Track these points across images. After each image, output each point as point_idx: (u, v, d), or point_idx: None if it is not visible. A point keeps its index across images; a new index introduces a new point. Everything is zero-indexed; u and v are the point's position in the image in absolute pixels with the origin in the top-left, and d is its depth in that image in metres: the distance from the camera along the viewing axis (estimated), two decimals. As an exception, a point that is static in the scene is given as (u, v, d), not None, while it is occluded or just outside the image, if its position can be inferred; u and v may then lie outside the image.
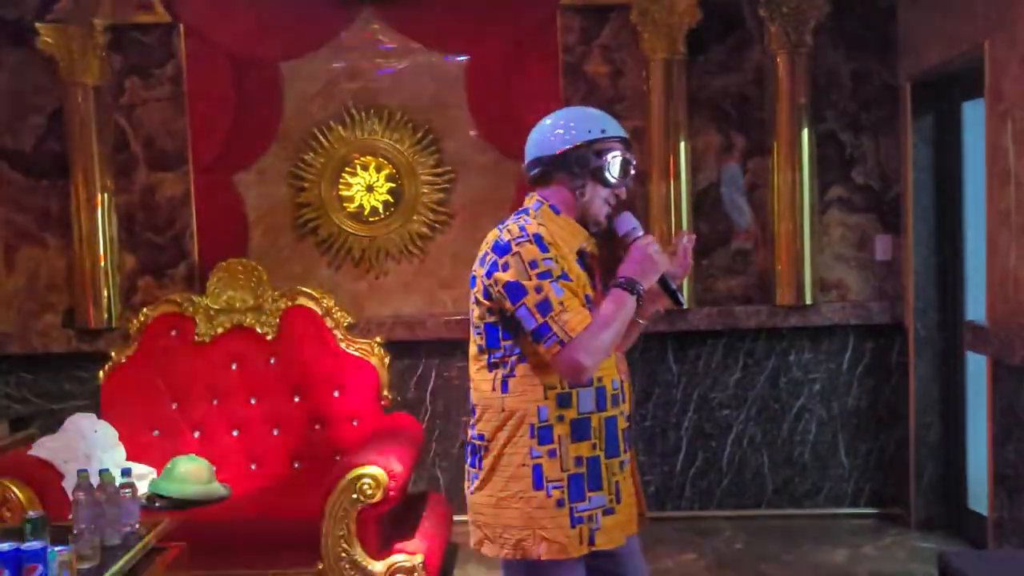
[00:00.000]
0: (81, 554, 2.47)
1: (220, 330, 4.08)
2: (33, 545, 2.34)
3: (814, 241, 4.36)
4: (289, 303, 4.10)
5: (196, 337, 4.07)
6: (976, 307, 3.94)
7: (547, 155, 2.13)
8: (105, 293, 4.46)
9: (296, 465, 3.99)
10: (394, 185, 4.54)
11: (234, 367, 4.06)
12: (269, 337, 4.08)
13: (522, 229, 2.05)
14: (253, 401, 4.05)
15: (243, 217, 4.57)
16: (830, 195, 4.45)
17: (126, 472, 2.82)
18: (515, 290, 2.00)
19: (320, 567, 3.35)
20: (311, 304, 4.10)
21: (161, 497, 3.57)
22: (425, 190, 4.53)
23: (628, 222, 2.14)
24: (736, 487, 4.53)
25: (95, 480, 2.66)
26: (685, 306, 2.23)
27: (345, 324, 4.09)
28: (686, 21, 4.27)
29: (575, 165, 2.09)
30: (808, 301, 4.36)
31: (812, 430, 4.50)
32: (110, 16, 4.41)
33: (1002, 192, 3.54)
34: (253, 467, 3.99)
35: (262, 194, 4.57)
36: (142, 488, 3.57)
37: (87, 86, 4.39)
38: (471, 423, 2.17)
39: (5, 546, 2.32)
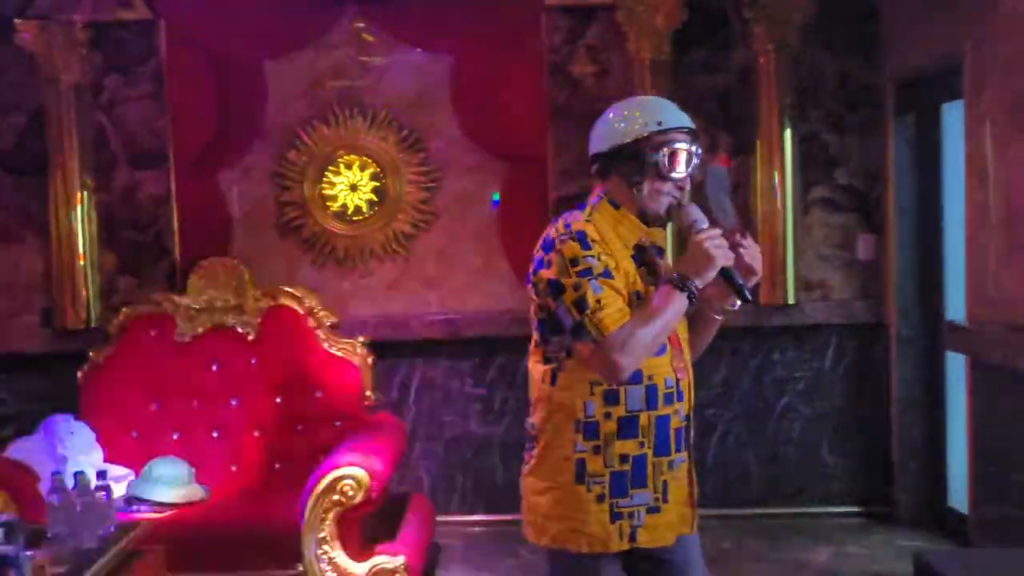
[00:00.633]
0: (56, 558, 2.44)
1: (201, 330, 4.04)
2: (6, 549, 2.30)
3: (797, 241, 4.36)
4: (271, 302, 4.06)
5: (176, 337, 4.03)
6: (956, 307, 3.96)
7: (603, 151, 2.11)
8: (84, 292, 4.41)
9: (277, 466, 3.95)
10: (378, 184, 4.52)
11: (215, 367, 4.02)
12: (251, 337, 4.04)
13: (567, 226, 2.04)
14: (234, 402, 4.01)
15: (226, 216, 4.54)
16: (813, 195, 4.45)
17: (101, 474, 2.78)
18: (555, 287, 2.00)
19: (300, 569, 3.32)
20: (293, 304, 4.06)
21: (139, 500, 3.53)
22: (409, 189, 4.51)
23: (690, 215, 2.08)
24: (721, 486, 4.53)
25: (70, 482, 2.62)
26: (750, 300, 2.11)
27: (328, 324, 4.06)
28: (671, 21, 4.27)
29: (630, 160, 2.06)
30: (791, 301, 4.37)
31: (796, 429, 4.51)
32: (90, 13, 4.37)
33: (981, 193, 3.56)
34: (233, 469, 3.95)
35: (245, 193, 4.54)
36: (120, 490, 3.53)
37: (67, 83, 4.34)
38: (528, 413, 2.18)
39: (-23, 550, 2.29)
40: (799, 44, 4.29)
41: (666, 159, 2.04)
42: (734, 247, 2.07)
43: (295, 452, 3.93)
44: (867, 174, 4.46)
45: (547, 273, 2.02)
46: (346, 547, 3.31)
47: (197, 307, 4.05)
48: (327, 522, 3.28)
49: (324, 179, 4.52)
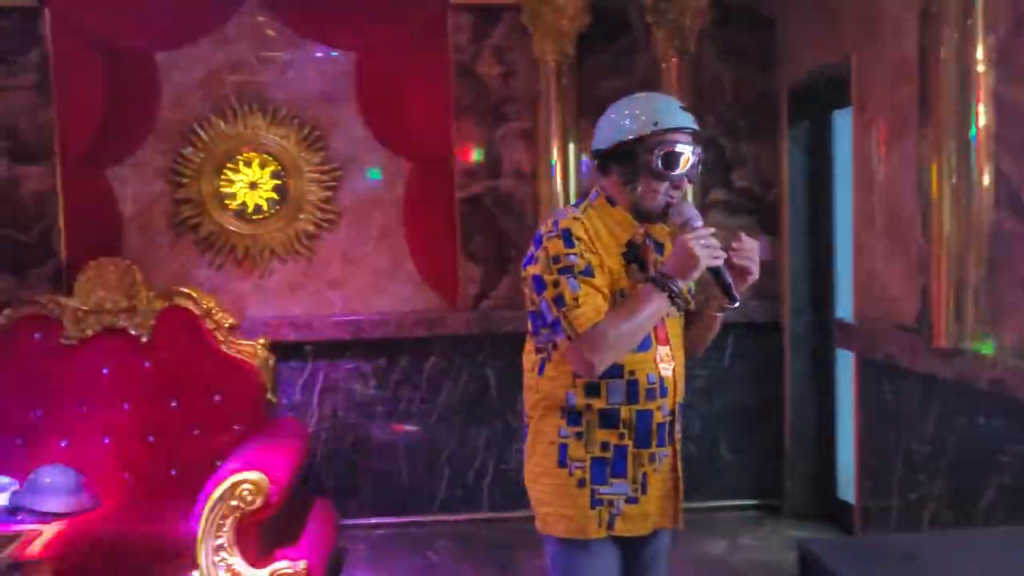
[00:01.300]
0: (-71, 573, 2.30)
1: (90, 332, 3.88)
2: None
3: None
4: (165, 304, 3.94)
5: (63, 340, 3.86)
6: (846, 306, 4.13)
7: (603, 147, 2.12)
8: (-39, 294, 4.17)
9: (173, 473, 3.83)
10: (279, 182, 4.42)
11: (105, 371, 3.87)
12: (144, 339, 3.90)
13: (555, 223, 2.07)
14: (126, 406, 3.87)
15: (117, 214, 4.35)
16: (711, 198, 4.57)
17: (-18, 484, 2.64)
18: (538, 283, 2.04)
19: (197, 577, 3.23)
20: (189, 304, 3.95)
21: (24, 510, 3.38)
22: (312, 188, 4.43)
23: (682, 213, 2.06)
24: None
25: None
26: (738, 302, 2.08)
27: (227, 325, 3.96)
28: (575, 24, 4.31)
29: (626, 159, 2.08)
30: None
31: (696, 426, 4.62)
32: (-33, -2, 4.14)
33: (867, 197, 3.72)
34: (126, 476, 3.81)
35: (138, 190, 4.37)
36: (3, 500, 3.39)
37: (-58, 72, 4.10)
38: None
39: None
40: (699, 51, 4.40)
41: (660, 160, 2.04)
42: (726, 247, 2.04)
43: (192, 457, 3.82)
44: (763, 178, 4.61)
45: (533, 269, 2.06)
46: (245, 554, 3.23)
47: (86, 309, 3.89)
48: (225, 529, 3.19)
49: (222, 177, 4.39)
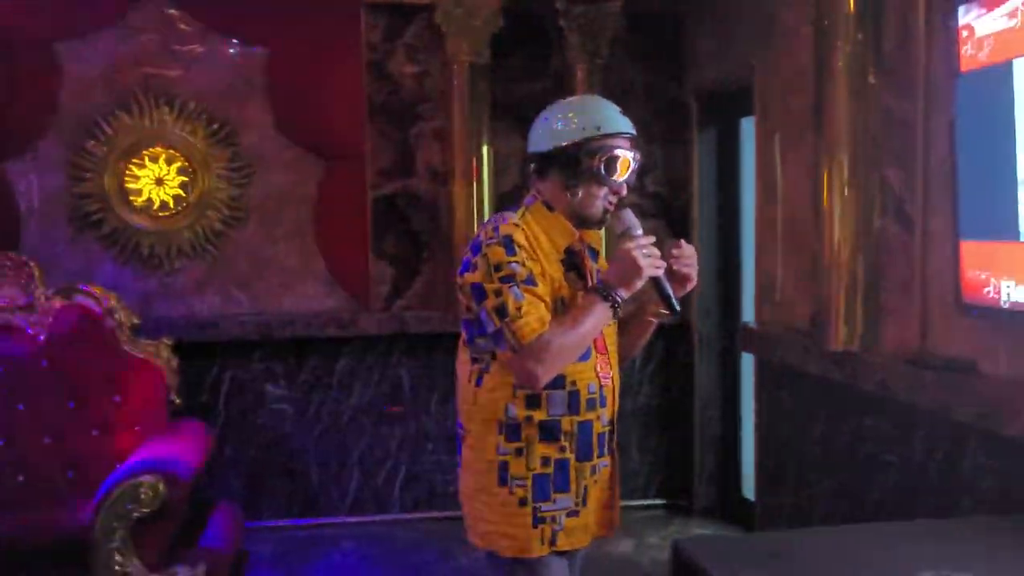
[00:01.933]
0: None
1: (-18, 330, 3.75)
2: None
3: (609, 245, 4.52)
4: (64, 301, 3.83)
5: (-47, 338, 3.72)
6: (751, 309, 4.23)
7: (541, 151, 2.06)
8: None
9: (70, 475, 3.72)
10: (186, 179, 4.34)
11: (0, 370, 3.75)
12: (41, 338, 3.78)
13: (495, 230, 1.99)
14: (21, 407, 3.74)
15: (14, 208, 4.22)
16: (624, 201, 4.62)
17: None
18: (478, 292, 1.97)
19: (92, 583, 3.15)
20: (90, 302, 3.84)
21: (-95, 515, 3.25)
22: (220, 185, 4.36)
23: (623, 222, 2.03)
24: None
25: None
26: (679, 312, 2.06)
27: (129, 324, 3.86)
28: (489, 26, 4.33)
29: (567, 164, 2.02)
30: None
31: (606, 427, 4.68)
32: None
33: (768, 203, 3.82)
34: (20, 478, 3.69)
35: (37, 184, 4.24)
36: None
37: None
38: (457, 413, 2.15)
39: None
40: (610, 55, 4.45)
41: (602, 165, 2.00)
42: (666, 255, 2.02)
43: (90, 459, 3.71)
44: (673, 183, 4.69)
45: (471, 276, 1.98)
46: (142, 557, 3.16)
47: (-22, 305, 3.76)
48: (121, 532, 3.13)
49: (127, 172, 4.29)
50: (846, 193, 3.10)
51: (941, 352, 2.78)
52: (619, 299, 1.97)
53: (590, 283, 2.07)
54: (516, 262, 1.95)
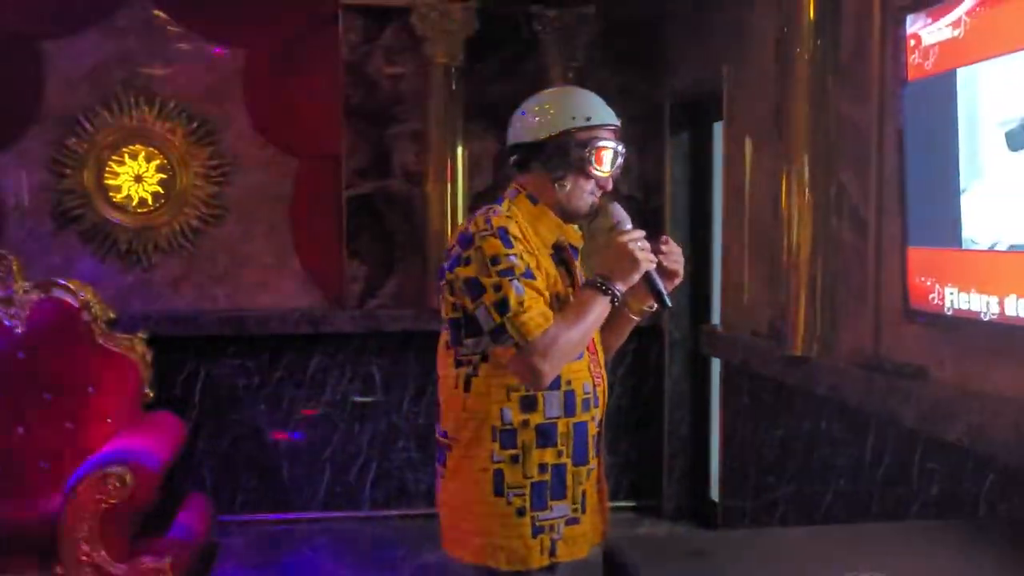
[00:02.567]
0: None
1: (-41, 322, 3.82)
2: None
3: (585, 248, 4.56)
4: (42, 295, 3.89)
5: (-70, 330, 3.78)
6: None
7: (525, 142, 1.97)
8: None
9: (43, 465, 3.77)
10: (165, 176, 4.40)
11: (-24, 362, 3.81)
12: (18, 330, 3.85)
13: (487, 222, 1.89)
14: (-4, 398, 3.81)
15: (-3, 202, 4.30)
16: (609, 196, 4.66)
17: None
18: (474, 287, 1.86)
19: (59, 571, 3.20)
20: (67, 296, 3.90)
21: None
22: (198, 183, 4.42)
23: (614, 215, 1.97)
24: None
25: None
26: (670, 307, 2.01)
27: (105, 319, 3.92)
28: (465, 28, 4.38)
29: (555, 155, 1.94)
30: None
31: (579, 427, 4.72)
32: None
33: (736, 207, 3.86)
34: (-6, 469, 3.75)
35: (19, 180, 4.31)
36: None
37: None
38: (437, 420, 2.04)
39: None
40: (586, 59, 4.50)
41: (592, 155, 1.94)
42: (654, 251, 1.96)
43: (63, 451, 3.76)
44: (646, 186, 4.74)
45: (465, 271, 1.87)
46: (109, 548, 3.22)
47: (-44, 298, 3.83)
48: (88, 522, 3.18)
49: (107, 169, 4.36)
50: (805, 198, 3.15)
51: (893, 357, 2.81)
52: (617, 293, 1.91)
53: (578, 280, 2.02)
54: (514, 254, 1.86)
